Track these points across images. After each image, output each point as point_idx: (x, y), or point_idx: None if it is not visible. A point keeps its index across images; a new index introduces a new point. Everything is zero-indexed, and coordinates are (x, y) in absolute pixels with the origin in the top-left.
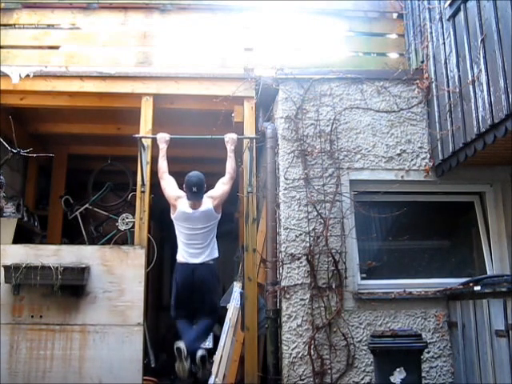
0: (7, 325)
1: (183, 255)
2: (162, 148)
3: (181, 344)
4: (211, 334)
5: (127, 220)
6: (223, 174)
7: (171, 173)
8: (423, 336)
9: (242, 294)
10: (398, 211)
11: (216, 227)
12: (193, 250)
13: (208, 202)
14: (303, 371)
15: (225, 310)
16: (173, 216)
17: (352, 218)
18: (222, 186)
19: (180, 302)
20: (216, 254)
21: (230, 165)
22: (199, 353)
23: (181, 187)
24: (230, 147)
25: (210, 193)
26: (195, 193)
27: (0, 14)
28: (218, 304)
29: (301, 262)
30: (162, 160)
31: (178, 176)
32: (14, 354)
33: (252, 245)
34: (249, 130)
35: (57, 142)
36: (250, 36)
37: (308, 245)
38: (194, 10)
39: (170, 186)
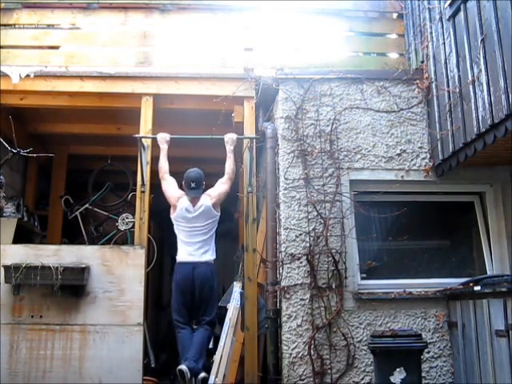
0: (7, 325)
1: (183, 254)
2: (163, 148)
3: (184, 367)
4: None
5: (127, 220)
6: (223, 175)
7: (171, 173)
8: (423, 336)
9: (242, 294)
10: (398, 211)
11: (215, 227)
12: (192, 248)
13: (206, 199)
14: (303, 371)
15: (225, 309)
16: (172, 216)
17: (352, 218)
18: (220, 186)
19: (180, 302)
20: (214, 256)
21: (229, 165)
22: (201, 375)
23: (180, 186)
24: (229, 147)
25: (208, 191)
26: (194, 188)
27: (0, 14)
28: (216, 309)
29: (301, 262)
30: (163, 160)
31: (178, 176)
32: (14, 354)
33: (252, 245)
34: (249, 130)
35: (57, 142)
36: (250, 36)
37: (308, 245)
38: (194, 10)
39: (171, 187)
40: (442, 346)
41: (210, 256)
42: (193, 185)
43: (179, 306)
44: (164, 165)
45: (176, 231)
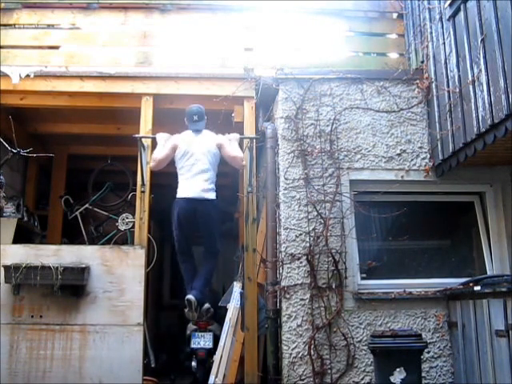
0: (7, 325)
1: (183, 191)
2: (161, 143)
3: (191, 297)
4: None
5: (127, 220)
6: (224, 174)
7: (171, 174)
8: (423, 336)
9: (242, 294)
10: (398, 211)
11: (216, 172)
12: (194, 185)
13: (212, 140)
14: (303, 371)
15: (225, 309)
16: (176, 154)
17: (352, 218)
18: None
19: (181, 234)
20: (215, 197)
21: (233, 147)
22: (205, 306)
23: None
24: (232, 142)
25: (217, 137)
26: (196, 121)
27: (0, 14)
28: (218, 243)
29: (301, 262)
30: (160, 148)
31: (177, 177)
32: (14, 354)
33: (252, 245)
34: (249, 130)
35: (57, 142)
36: (250, 36)
37: (308, 245)
38: (194, 10)
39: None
40: (442, 346)
41: (211, 195)
42: (195, 117)
43: (180, 239)
44: (158, 153)
45: (178, 172)
